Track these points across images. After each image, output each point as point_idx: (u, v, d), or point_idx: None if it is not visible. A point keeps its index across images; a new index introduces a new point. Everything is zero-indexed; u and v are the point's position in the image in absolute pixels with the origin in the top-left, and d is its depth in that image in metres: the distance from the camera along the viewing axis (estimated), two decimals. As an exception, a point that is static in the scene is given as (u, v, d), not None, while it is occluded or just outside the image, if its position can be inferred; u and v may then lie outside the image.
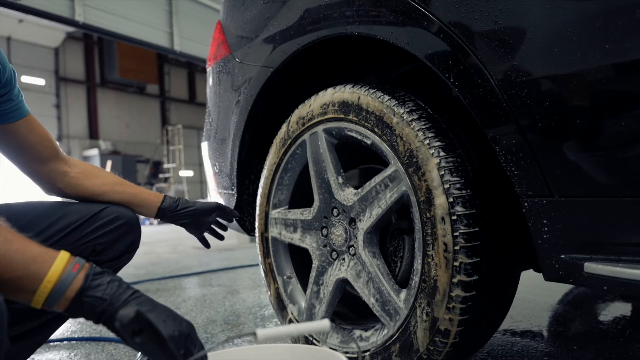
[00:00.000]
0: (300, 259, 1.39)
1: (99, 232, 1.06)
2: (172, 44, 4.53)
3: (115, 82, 15.36)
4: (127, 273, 3.42)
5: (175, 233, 8.13)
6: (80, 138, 14.61)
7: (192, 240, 6.42)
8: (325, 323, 0.74)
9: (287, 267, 1.38)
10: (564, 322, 1.71)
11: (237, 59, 1.51)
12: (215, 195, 1.71)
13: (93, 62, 14.91)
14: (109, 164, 13.53)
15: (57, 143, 1.14)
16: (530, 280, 1.95)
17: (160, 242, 6.54)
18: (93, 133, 14.84)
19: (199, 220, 1.27)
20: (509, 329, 1.59)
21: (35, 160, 1.10)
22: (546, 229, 0.81)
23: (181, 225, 1.26)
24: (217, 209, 1.30)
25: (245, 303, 2.18)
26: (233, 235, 6.55)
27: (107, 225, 1.07)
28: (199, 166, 17.65)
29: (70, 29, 6.99)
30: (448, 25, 0.89)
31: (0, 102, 1.01)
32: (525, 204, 0.83)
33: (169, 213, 1.22)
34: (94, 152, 14.08)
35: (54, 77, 13.98)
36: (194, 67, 17.95)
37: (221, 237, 1.36)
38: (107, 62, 15.00)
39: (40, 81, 13.32)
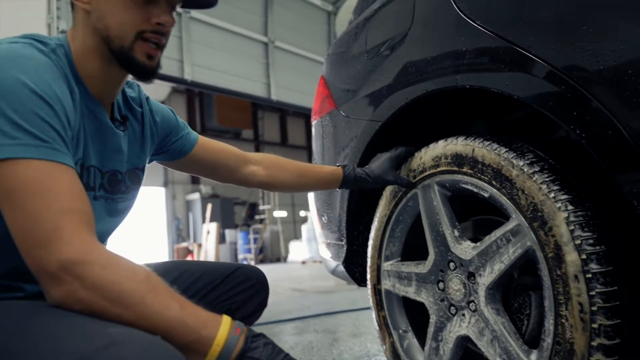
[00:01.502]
0: (415, 311, 1.37)
1: (233, 291, 1.13)
2: (269, 93, 4.77)
3: (214, 129, 16.33)
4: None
5: (275, 275, 8.32)
6: (184, 183, 15.57)
7: (289, 281, 6.54)
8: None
9: (402, 320, 1.37)
10: None
11: (342, 113, 1.56)
12: (323, 246, 1.74)
13: (194, 112, 16.01)
14: (209, 207, 14.26)
15: (237, 149, 1.26)
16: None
17: (259, 284, 6.72)
18: (194, 178, 15.77)
19: (379, 178, 1.31)
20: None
21: (227, 171, 1.23)
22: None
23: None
24: (391, 183, 1.31)
25: (352, 352, 2.17)
26: (330, 277, 6.59)
27: (241, 285, 1.15)
28: (291, 207, 18.09)
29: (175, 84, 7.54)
30: (569, 74, 0.86)
31: (175, 145, 1.14)
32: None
33: (349, 186, 1.32)
34: (195, 196, 14.93)
35: (160, 128, 15.17)
36: (285, 111, 18.67)
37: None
38: (206, 111, 16.04)
39: (148, 133, 14.51)
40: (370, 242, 1.42)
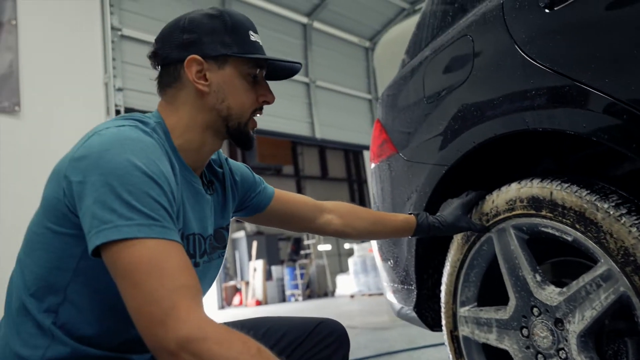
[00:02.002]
0: (497, 358, 1.33)
1: (318, 347, 1.14)
2: (314, 132, 4.83)
3: (255, 167, 16.62)
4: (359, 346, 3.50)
5: (323, 311, 8.25)
6: (228, 222, 15.82)
7: (339, 317, 6.44)
8: None
9: (483, 368, 1.33)
10: None
11: (404, 157, 1.56)
12: (389, 291, 1.72)
13: (235, 151, 16.37)
14: (254, 244, 14.39)
15: (311, 199, 1.29)
16: None
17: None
18: (238, 216, 16.00)
19: (452, 226, 1.29)
20: None
21: (302, 221, 1.25)
22: None
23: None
24: (464, 229, 1.30)
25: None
26: (384, 311, 6.47)
27: (324, 340, 1.15)
28: (335, 240, 18.02)
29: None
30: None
31: (254, 201, 1.18)
32: None
33: (422, 235, 1.31)
34: (240, 234, 15.11)
35: (204, 169, 15.54)
36: (324, 145, 18.86)
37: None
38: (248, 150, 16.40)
39: (192, 174, 14.86)
40: (443, 287, 1.40)
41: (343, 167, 19.71)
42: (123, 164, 0.74)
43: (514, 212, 1.17)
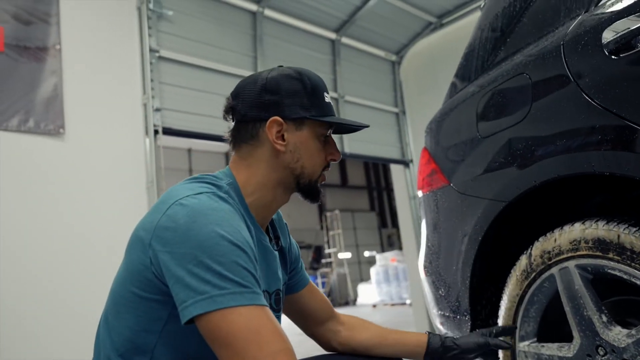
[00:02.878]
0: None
1: None
2: (343, 147, 4.87)
3: (276, 176, 16.74)
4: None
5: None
6: (249, 230, 15.91)
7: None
8: None
9: (545, 403, 1.34)
10: None
11: (457, 190, 1.59)
12: (438, 320, 1.74)
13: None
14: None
15: (330, 305, 1.29)
16: None
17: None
18: (260, 225, 16.09)
19: (474, 347, 1.25)
20: None
21: (315, 322, 1.24)
22: None
23: None
24: (482, 347, 1.25)
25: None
26: (408, 323, 6.45)
27: None
28: (355, 248, 18.02)
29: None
30: None
31: (292, 276, 1.19)
32: None
33: (436, 356, 1.25)
34: (262, 242, 15.17)
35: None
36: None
37: (506, 346, 1.28)
38: (268, 159, 16.49)
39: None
40: (501, 321, 1.42)
41: (363, 175, 19.74)
42: (210, 235, 0.79)
43: (578, 253, 1.18)
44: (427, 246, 1.79)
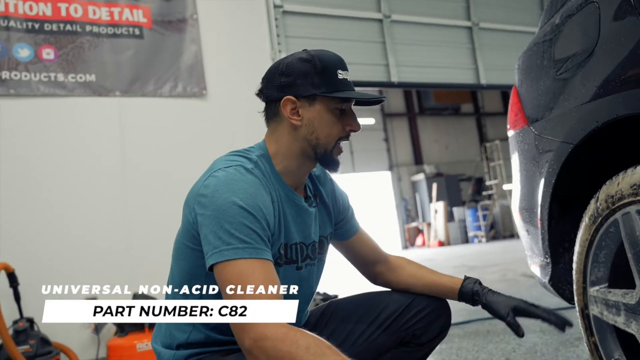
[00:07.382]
0: (630, 339, 1.30)
1: (415, 319, 1.30)
2: (478, 78, 4.65)
3: (432, 108, 16.33)
4: (458, 309, 3.61)
5: (505, 255, 8.06)
6: (407, 165, 15.99)
7: (521, 264, 6.25)
8: None
9: (615, 348, 1.31)
10: None
11: (534, 131, 1.53)
12: (528, 260, 1.73)
13: (411, 95, 16.24)
14: (434, 186, 14.41)
15: (380, 248, 1.44)
16: None
17: (489, 267, 6.62)
18: (417, 159, 16.06)
19: (496, 313, 1.29)
20: None
21: (366, 264, 1.42)
22: None
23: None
24: (513, 310, 1.27)
25: (580, 359, 2.08)
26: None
27: (420, 313, 1.30)
28: (522, 178, 16.98)
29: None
30: None
31: (341, 225, 1.35)
32: None
33: (468, 299, 1.34)
34: (420, 177, 15.22)
35: (381, 115, 15.79)
36: (506, 78, 17.56)
37: (520, 333, 1.28)
38: (422, 92, 16.09)
39: (370, 120, 15.25)
40: (574, 266, 1.38)
41: (529, 100, 18.20)
42: (226, 201, 0.99)
43: (637, 197, 1.11)
44: (516, 187, 1.76)
